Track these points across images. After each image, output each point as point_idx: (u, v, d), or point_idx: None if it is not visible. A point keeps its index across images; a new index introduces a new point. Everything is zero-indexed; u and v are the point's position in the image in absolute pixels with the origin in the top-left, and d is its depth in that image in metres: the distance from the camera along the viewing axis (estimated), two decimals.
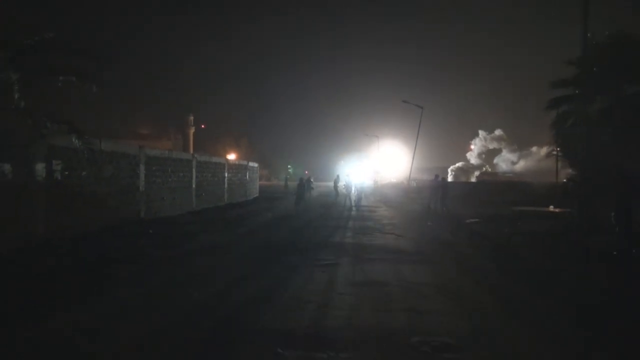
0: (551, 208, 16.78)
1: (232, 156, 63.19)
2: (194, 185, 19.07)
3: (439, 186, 21.40)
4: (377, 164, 67.65)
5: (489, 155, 65.51)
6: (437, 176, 22.59)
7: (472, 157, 68.06)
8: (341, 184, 29.09)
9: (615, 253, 9.32)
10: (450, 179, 64.08)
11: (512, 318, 5.50)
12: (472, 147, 69.44)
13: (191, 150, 65.66)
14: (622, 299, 6.54)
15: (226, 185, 23.49)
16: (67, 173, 11.06)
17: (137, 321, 5.10)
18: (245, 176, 27.66)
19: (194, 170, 19.04)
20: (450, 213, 19.31)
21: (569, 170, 16.39)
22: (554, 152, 18.75)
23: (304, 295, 6.22)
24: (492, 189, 33.31)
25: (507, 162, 61.61)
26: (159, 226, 13.59)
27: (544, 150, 29.49)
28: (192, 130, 79.27)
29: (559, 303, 6.23)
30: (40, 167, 10.20)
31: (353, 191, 25.64)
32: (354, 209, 22.90)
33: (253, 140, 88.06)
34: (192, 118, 79.41)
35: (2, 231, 9.04)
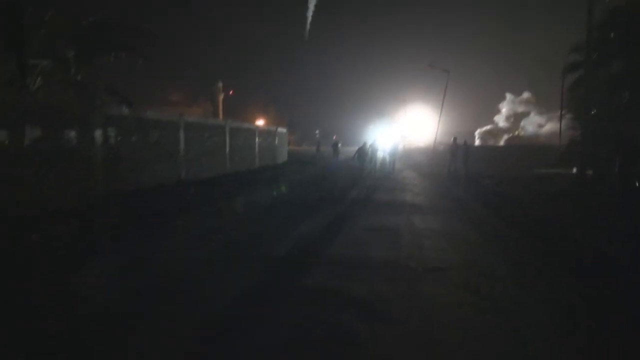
0: (574, 170, 17.50)
1: (260, 122, 64.58)
2: (227, 150, 20.49)
3: (458, 148, 22.27)
4: (404, 129, 67.90)
5: (517, 118, 64.89)
6: (455, 139, 23.38)
7: (501, 120, 67.60)
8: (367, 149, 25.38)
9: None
10: (477, 142, 64.01)
11: (494, 253, 6.70)
12: (503, 110, 68.74)
13: (220, 117, 67.30)
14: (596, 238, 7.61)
15: (257, 150, 24.87)
16: (119, 139, 12.57)
17: (212, 241, 6.54)
18: (275, 141, 28.98)
19: (227, 135, 20.41)
20: (469, 175, 20.27)
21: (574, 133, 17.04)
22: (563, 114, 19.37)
23: (331, 236, 7.56)
24: (518, 152, 33.81)
25: (535, 125, 61.05)
26: (199, 186, 15.11)
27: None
28: (221, 97, 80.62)
29: (542, 243, 7.38)
30: (98, 134, 11.70)
31: (380, 156, 26.62)
32: (377, 173, 23.82)
33: (281, 106, 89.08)
34: (221, 85, 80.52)
35: (67, 189, 10.62)
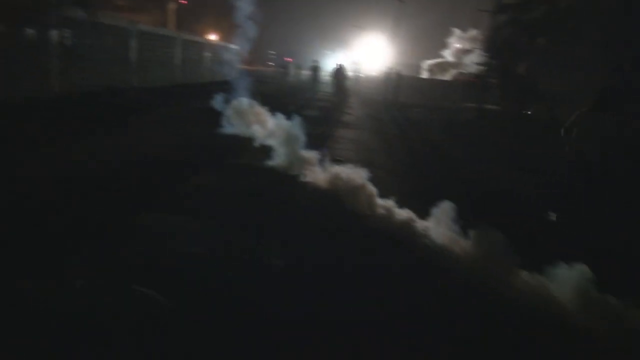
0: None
1: (213, 36, 63.16)
2: (178, 62, 21.26)
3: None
4: (359, 57, 68.46)
5: (464, 54, 67.03)
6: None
7: (448, 55, 69.50)
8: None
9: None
10: (426, 75, 66.08)
11: (386, 156, 8.67)
12: (456, 45, 70.42)
13: (172, 28, 65.04)
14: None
15: (207, 64, 25.61)
16: (75, 41, 13.34)
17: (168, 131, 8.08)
18: (226, 57, 29.55)
19: (179, 47, 21.09)
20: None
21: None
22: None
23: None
24: (451, 86, 36.01)
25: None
26: (150, 93, 16.18)
27: None
28: (173, 7, 77.08)
29: (433, 152, 9.43)
30: (54, 34, 12.47)
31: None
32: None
33: (234, 22, 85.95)
34: None
35: (25, 82, 11.57)
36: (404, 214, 4.75)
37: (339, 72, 23.28)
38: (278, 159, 6.76)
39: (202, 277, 3.20)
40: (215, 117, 9.90)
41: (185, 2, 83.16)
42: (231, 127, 9.65)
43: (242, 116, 9.75)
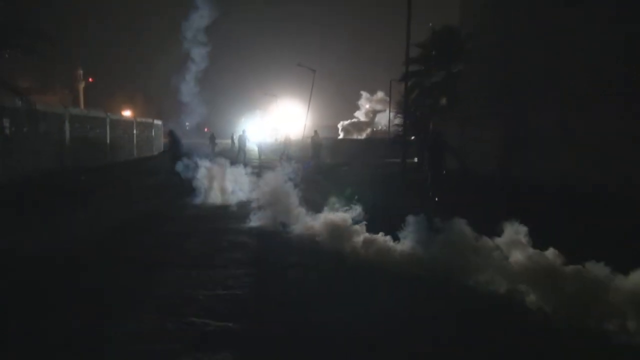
0: (415, 160, 21.80)
1: (127, 113, 62.80)
2: (108, 141, 21.48)
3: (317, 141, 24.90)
4: (276, 122, 71.01)
5: (375, 114, 72.12)
6: (315, 132, 25.31)
7: (361, 115, 74.33)
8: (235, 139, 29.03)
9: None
10: (341, 135, 69.80)
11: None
12: (363, 106, 75.48)
13: (82, 106, 63.87)
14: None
15: (135, 142, 25.88)
16: (13, 129, 13.49)
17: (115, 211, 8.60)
18: (152, 133, 29.97)
19: (107, 127, 21.39)
20: (327, 163, 23.79)
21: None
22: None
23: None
24: (371, 145, 38.91)
25: (390, 121, 68.44)
26: (86, 173, 16.32)
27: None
28: (82, 85, 75.85)
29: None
30: None
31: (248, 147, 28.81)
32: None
33: (149, 96, 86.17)
34: (81, 72, 75.68)
35: None
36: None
37: (241, 138, 25.68)
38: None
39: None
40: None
41: (92, 80, 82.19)
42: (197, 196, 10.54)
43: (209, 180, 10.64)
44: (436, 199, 9.56)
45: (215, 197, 10.63)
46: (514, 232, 5.15)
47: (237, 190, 10.91)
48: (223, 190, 10.81)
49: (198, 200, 10.52)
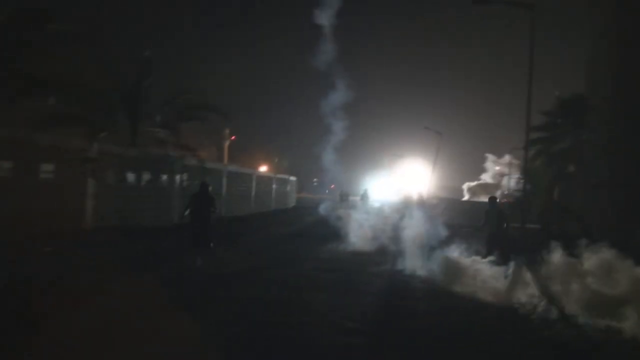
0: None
1: (263, 168, 69.27)
2: (253, 194, 24.85)
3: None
4: (400, 182, 72.50)
5: (502, 177, 70.32)
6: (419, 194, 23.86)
7: (487, 178, 72.80)
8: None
9: None
10: (466, 196, 68.91)
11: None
12: (490, 168, 74.08)
13: (225, 161, 71.87)
14: None
15: (273, 195, 29.26)
16: (188, 182, 16.93)
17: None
18: (287, 188, 33.43)
19: (254, 182, 24.83)
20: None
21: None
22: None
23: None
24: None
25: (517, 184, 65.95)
26: (238, 221, 19.32)
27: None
28: (227, 144, 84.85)
29: None
30: (177, 178, 16.10)
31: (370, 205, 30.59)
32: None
33: (282, 152, 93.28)
34: (228, 131, 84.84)
35: (153, 213, 14.90)
36: None
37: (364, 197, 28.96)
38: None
39: None
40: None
41: (234, 138, 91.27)
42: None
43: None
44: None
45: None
46: None
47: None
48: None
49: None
